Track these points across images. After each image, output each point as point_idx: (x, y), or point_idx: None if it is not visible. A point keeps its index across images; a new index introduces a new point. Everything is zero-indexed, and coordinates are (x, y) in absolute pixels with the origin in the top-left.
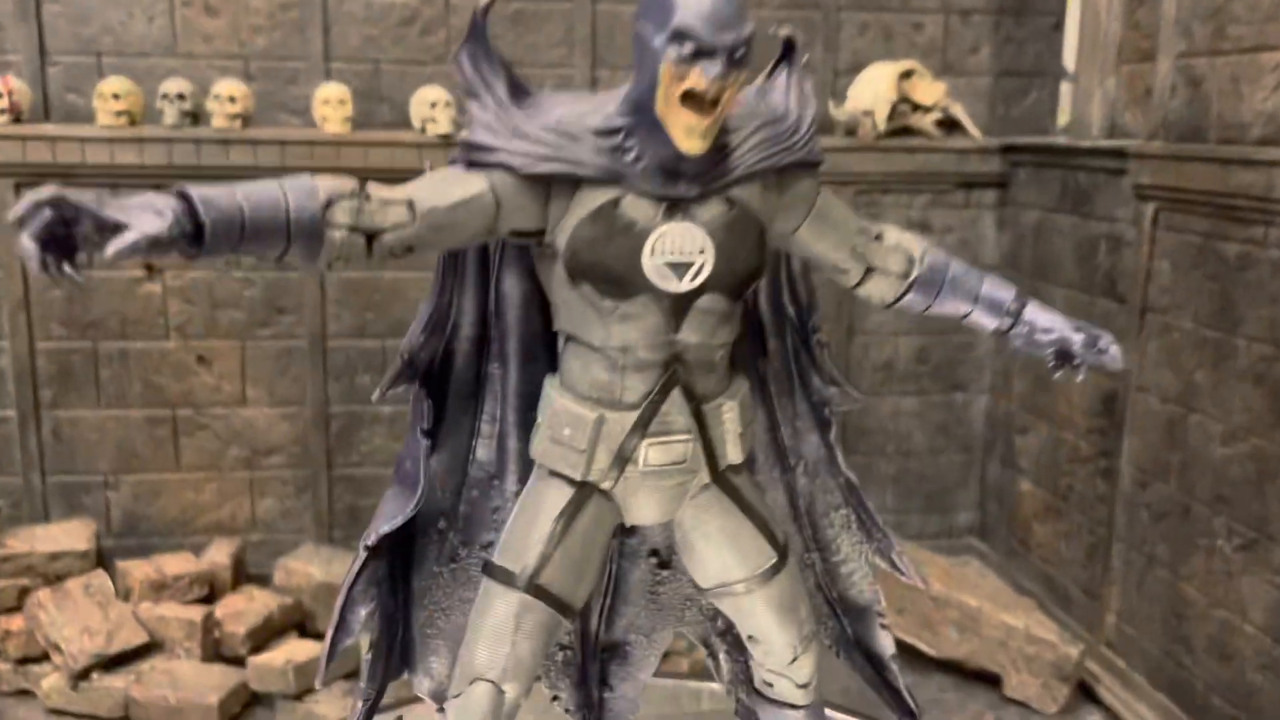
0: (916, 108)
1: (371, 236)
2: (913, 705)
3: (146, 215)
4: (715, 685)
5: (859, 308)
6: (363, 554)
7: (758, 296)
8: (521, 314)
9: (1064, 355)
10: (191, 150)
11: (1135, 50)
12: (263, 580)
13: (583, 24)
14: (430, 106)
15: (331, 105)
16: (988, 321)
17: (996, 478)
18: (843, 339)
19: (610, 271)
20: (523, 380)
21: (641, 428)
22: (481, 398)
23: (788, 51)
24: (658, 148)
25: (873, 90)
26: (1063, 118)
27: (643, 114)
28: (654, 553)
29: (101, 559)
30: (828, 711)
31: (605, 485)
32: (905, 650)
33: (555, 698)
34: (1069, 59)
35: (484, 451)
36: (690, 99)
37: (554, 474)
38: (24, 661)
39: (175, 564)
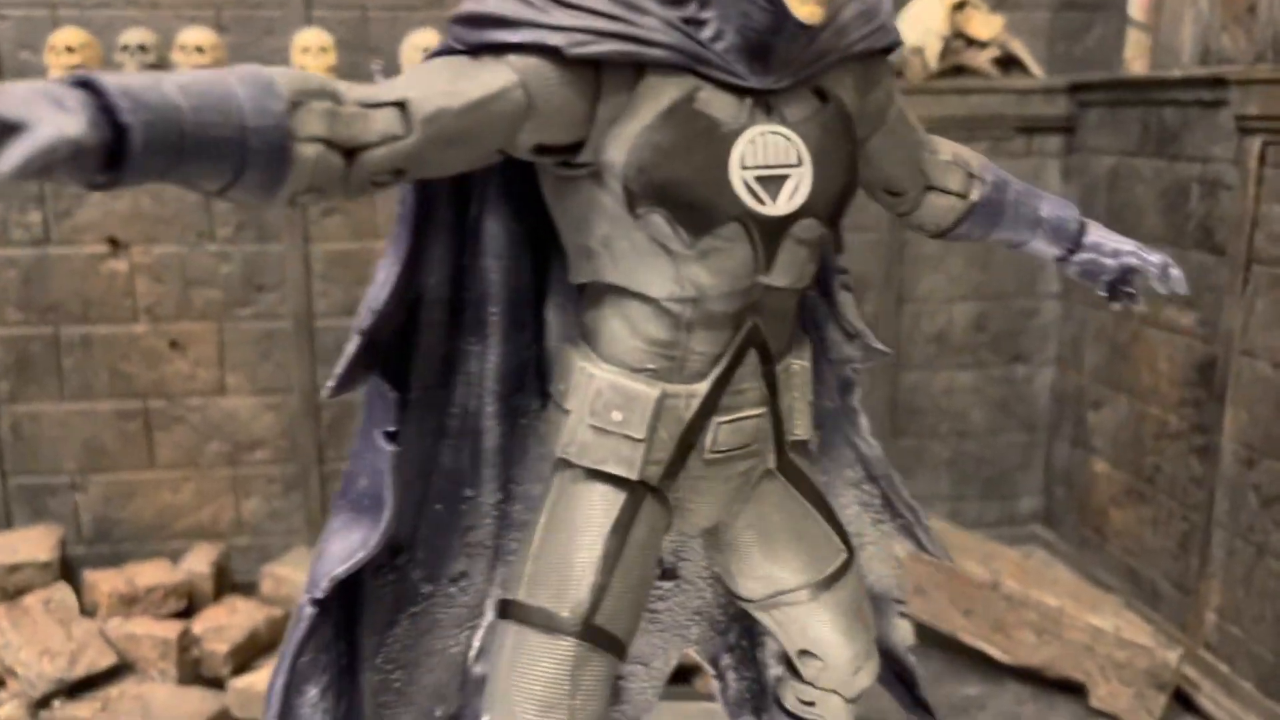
0: (971, 43)
1: (351, 154)
2: (928, 703)
3: (49, 109)
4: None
5: (909, 270)
6: (309, 612)
7: None
8: (509, 267)
9: (1122, 283)
10: None
11: None
12: (248, 590)
13: None
14: (424, 53)
15: (311, 54)
16: (1049, 248)
17: (1065, 459)
18: (891, 308)
19: (691, 192)
20: (506, 357)
21: (713, 402)
22: (452, 386)
23: None
24: (744, 18)
25: (923, 25)
26: (1131, 56)
27: None
28: (657, 561)
29: (68, 569)
30: None
31: (662, 484)
32: (976, 657)
33: None
34: None
35: (452, 456)
36: None
37: (594, 475)
38: None
39: (149, 574)
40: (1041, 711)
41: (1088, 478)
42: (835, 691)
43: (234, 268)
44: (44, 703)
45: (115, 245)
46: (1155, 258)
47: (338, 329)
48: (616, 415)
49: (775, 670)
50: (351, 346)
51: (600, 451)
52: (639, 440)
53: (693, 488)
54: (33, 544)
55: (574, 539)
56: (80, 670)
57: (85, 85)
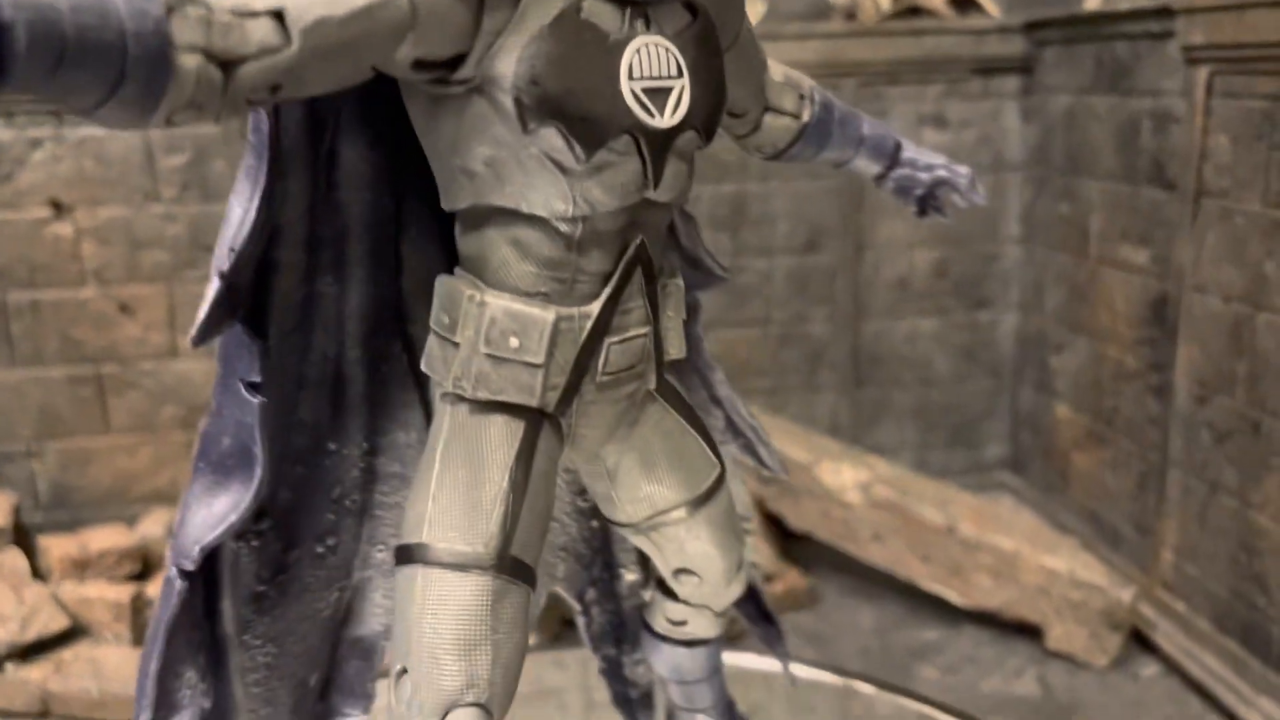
0: None
1: (227, 67)
2: (772, 614)
3: None
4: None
5: (867, 217)
6: (181, 586)
7: None
8: (369, 199)
9: (931, 197)
10: None
11: None
12: None
13: None
14: None
15: None
16: (870, 166)
17: (1030, 404)
18: (850, 255)
19: (585, 104)
20: (368, 298)
21: (605, 322)
22: (310, 330)
23: None
24: None
25: None
26: None
27: None
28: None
29: (25, 536)
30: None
31: (556, 409)
32: (934, 602)
33: None
34: None
35: (311, 409)
36: None
37: (491, 406)
38: None
39: (102, 538)
40: (999, 654)
41: (1051, 422)
42: (706, 606)
43: (181, 229)
44: None
45: (59, 209)
46: (963, 169)
47: None
48: (514, 341)
49: (632, 601)
50: (212, 291)
51: (498, 381)
52: (537, 366)
53: (584, 413)
54: None
55: (477, 474)
56: (32, 634)
57: None
